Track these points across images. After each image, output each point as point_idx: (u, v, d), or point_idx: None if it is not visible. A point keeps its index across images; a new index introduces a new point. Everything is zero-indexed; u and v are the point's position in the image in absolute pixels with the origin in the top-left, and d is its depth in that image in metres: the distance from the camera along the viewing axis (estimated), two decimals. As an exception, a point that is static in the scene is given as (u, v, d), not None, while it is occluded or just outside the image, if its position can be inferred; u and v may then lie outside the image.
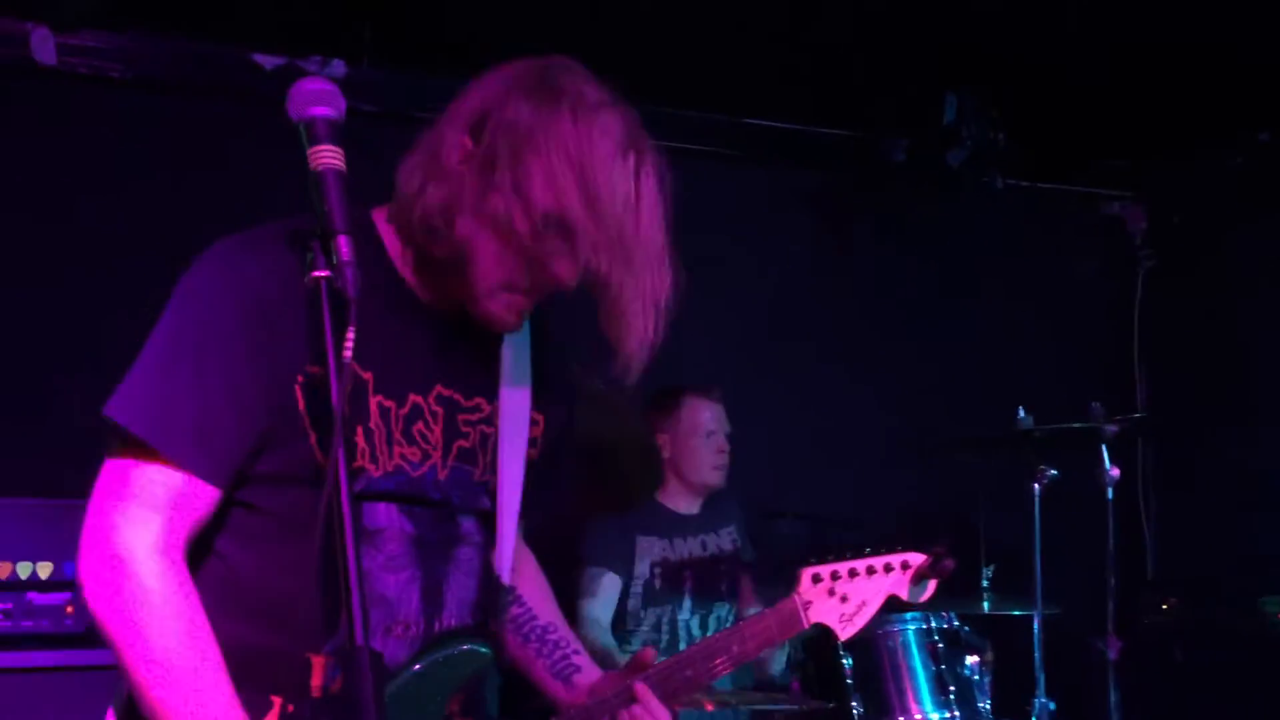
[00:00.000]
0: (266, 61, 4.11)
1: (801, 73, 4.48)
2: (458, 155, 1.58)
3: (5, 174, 3.83)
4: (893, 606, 3.42)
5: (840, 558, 1.94)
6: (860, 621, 1.94)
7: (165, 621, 1.49)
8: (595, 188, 1.55)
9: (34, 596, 3.01)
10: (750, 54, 4.33)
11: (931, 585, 1.99)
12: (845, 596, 1.93)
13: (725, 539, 4.07)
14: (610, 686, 1.79)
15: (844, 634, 1.93)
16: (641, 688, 1.74)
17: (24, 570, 3.01)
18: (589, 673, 1.87)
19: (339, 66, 4.18)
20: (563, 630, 1.93)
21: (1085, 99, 4.68)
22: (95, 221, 3.89)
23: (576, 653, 1.90)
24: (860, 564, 1.94)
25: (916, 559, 1.97)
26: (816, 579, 1.93)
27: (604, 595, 3.83)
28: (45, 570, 3.00)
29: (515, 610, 1.91)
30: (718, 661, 1.85)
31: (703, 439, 3.96)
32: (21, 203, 3.84)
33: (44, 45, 3.89)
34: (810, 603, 1.91)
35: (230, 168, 3.95)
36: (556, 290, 1.63)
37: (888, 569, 1.96)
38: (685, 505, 4.04)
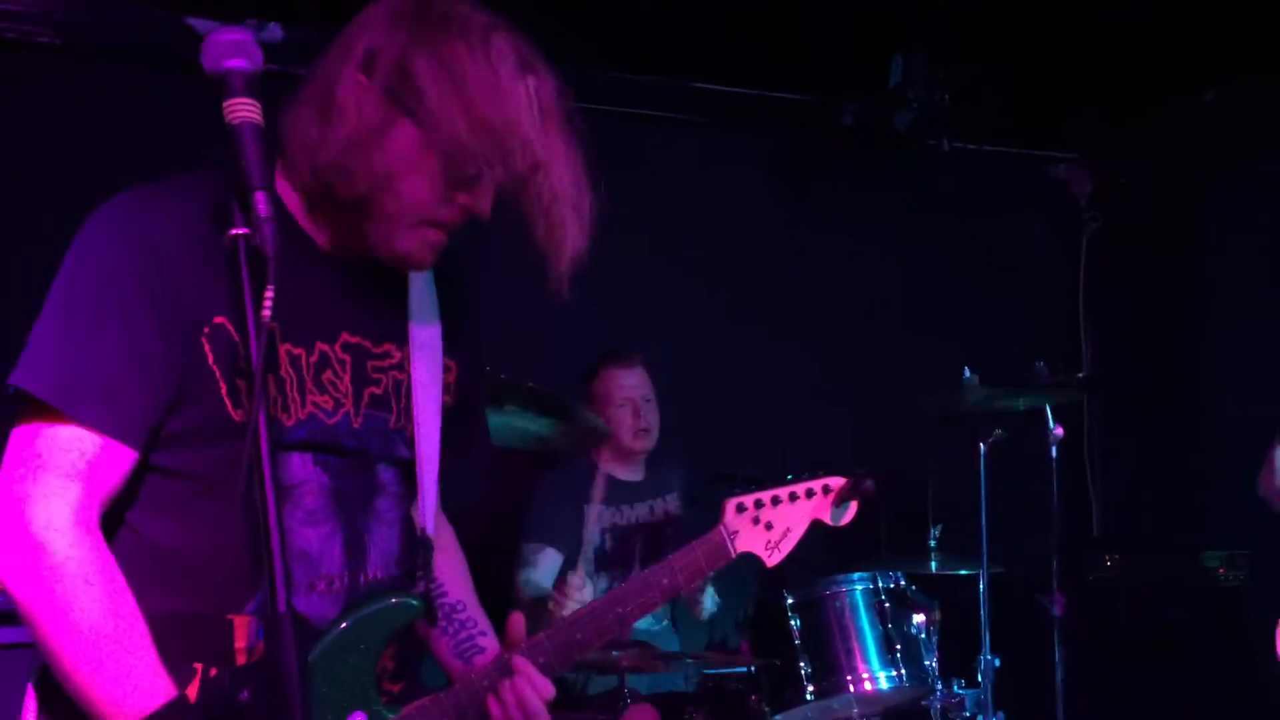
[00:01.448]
0: (200, 25, 4.01)
1: (752, 36, 4.45)
2: (354, 93, 1.53)
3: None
4: (841, 566, 3.49)
5: (762, 486, 1.95)
6: (786, 547, 1.94)
7: (87, 595, 1.45)
8: (502, 109, 1.52)
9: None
10: (700, 17, 4.29)
11: (852, 507, 1.99)
12: (770, 524, 1.93)
13: (672, 503, 4.10)
14: (496, 662, 1.76)
15: (771, 560, 1.93)
16: (519, 659, 1.72)
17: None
18: (491, 653, 1.84)
19: (275, 30, 4.09)
20: (472, 610, 1.90)
21: (1031, 61, 4.69)
22: (24, 190, 3.79)
23: (482, 634, 1.88)
24: (782, 491, 1.95)
25: (837, 482, 1.97)
26: (741, 508, 1.93)
27: (543, 567, 3.84)
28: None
29: (425, 584, 1.87)
30: (650, 595, 1.83)
31: (619, 407, 3.98)
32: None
33: (-33, 10, 3.78)
34: (736, 532, 1.91)
35: (163, 134, 3.86)
36: (473, 218, 1.60)
37: (809, 494, 1.96)
38: (627, 472, 4.06)
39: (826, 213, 5.03)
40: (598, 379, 4.05)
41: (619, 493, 4.00)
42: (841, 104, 4.91)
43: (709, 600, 3.93)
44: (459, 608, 1.89)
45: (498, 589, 2.01)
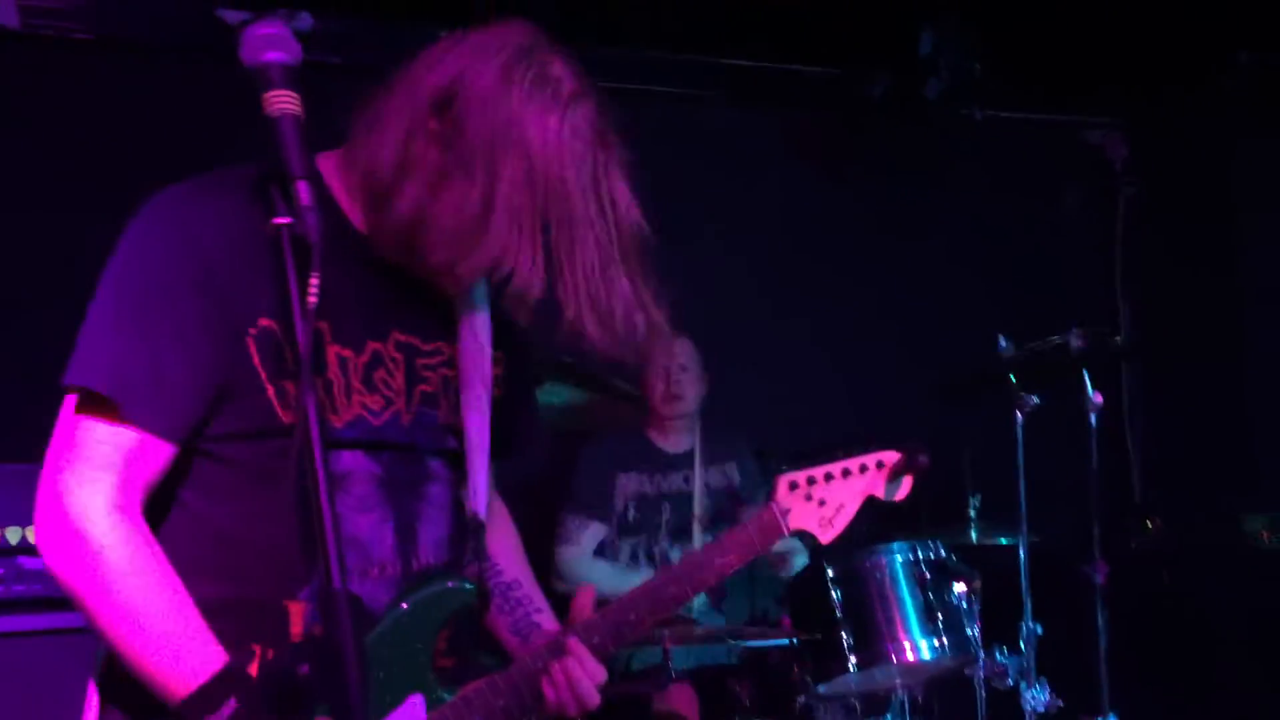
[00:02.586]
0: (231, 16, 4.05)
1: (778, 10, 4.43)
2: (421, 132, 1.55)
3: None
4: (881, 536, 3.50)
5: (815, 463, 1.91)
6: (840, 524, 1.91)
7: (128, 576, 1.49)
8: (564, 189, 1.54)
9: (24, 561, 3.01)
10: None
11: (907, 482, 1.95)
12: (823, 500, 1.90)
13: (714, 475, 4.10)
14: (549, 639, 1.77)
15: (825, 537, 1.91)
16: (573, 641, 1.73)
17: (13, 535, 3.01)
18: (548, 629, 1.86)
19: (306, 19, 4.11)
20: (527, 588, 1.92)
21: (1063, 27, 4.64)
22: (61, 184, 3.85)
23: (538, 610, 1.89)
24: (835, 467, 1.92)
25: (891, 457, 1.94)
26: (793, 486, 1.90)
27: (584, 542, 3.87)
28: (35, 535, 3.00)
29: (481, 564, 1.90)
30: (703, 575, 1.83)
31: (654, 374, 3.99)
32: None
33: (6, 8, 3.83)
34: (789, 510, 1.89)
35: (198, 126, 3.91)
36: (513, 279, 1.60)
37: (863, 469, 1.94)
38: (671, 443, 4.07)
39: (861, 188, 5.01)
40: None
41: (654, 460, 4.03)
42: (869, 76, 4.89)
43: (799, 560, 3.89)
44: (514, 586, 1.90)
45: (539, 563, 2.04)
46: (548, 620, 1.88)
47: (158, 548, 1.53)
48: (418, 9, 4.03)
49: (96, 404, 1.51)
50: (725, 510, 4.06)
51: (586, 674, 1.71)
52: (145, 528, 1.54)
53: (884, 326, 4.92)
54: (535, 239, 1.55)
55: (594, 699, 1.71)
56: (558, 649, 1.73)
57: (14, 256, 3.76)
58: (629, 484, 3.98)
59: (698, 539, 3.98)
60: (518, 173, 1.53)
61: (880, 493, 1.96)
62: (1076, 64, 4.95)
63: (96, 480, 1.50)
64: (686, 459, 4.08)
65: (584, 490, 3.96)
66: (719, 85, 4.87)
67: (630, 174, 1.63)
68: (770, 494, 1.92)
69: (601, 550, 3.94)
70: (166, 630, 1.49)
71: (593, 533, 3.92)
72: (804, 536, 1.92)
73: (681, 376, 4.01)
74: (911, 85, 4.69)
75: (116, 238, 1.60)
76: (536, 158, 1.54)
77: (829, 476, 1.92)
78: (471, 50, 1.58)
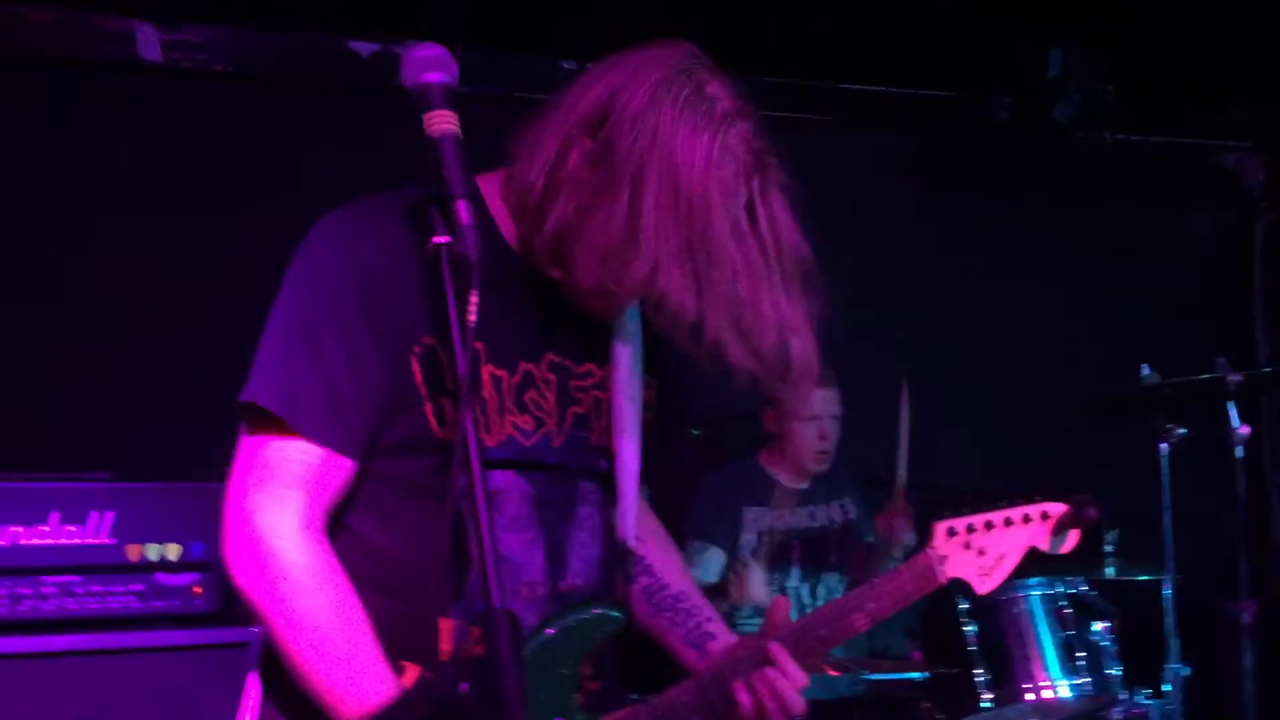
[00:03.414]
0: (362, 48, 4.15)
1: (898, 34, 4.39)
2: (573, 150, 1.56)
3: (116, 169, 3.92)
4: (1017, 571, 3.39)
5: (976, 510, 1.86)
6: (1000, 575, 1.85)
7: (313, 595, 1.51)
8: (707, 208, 1.52)
9: (163, 577, 3.08)
10: (845, 18, 4.25)
11: (1073, 536, 1.88)
12: (983, 550, 1.85)
13: (835, 510, 4.04)
14: (744, 647, 1.76)
15: (982, 588, 1.85)
16: (776, 647, 1.71)
17: (153, 553, 3.08)
18: (723, 639, 1.84)
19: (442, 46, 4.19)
20: (695, 598, 1.90)
21: (1196, 48, 4.50)
22: (203, 213, 3.97)
23: (710, 620, 1.88)
24: (997, 516, 1.86)
25: (1057, 509, 1.86)
26: (951, 532, 1.85)
27: (707, 567, 3.83)
28: (173, 552, 3.06)
29: (646, 580, 1.88)
30: (853, 619, 1.80)
31: (805, 423, 3.92)
32: (132, 199, 3.93)
33: (149, 42, 3.98)
34: (946, 557, 1.84)
35: (335, 156, 4.00)
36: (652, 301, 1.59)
37: (1026, 520, 1.86)
38: (791, 480, 4.02)
39: (986, 213, 4.91)
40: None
41: (780, 497, 3.97)
42: (997, 99, 4.80)
43: (911, 538, 3.80)
44: (682, 597, 1.89)
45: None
46: (720, 629, 1.87)
47: (341, 569, 1.55)
48: (546, 41, 4.09)
49: (278, 423, 1.54)
50: (846, 547, 3.99)
51: (790, 680, 1.70)
52: (329, 548, 1.56)
53: (1012, 356, 4.80)
54: (684, 259, 1.53)
55: (800, 704, 1.71)
56: (759, 655, 1.72)
57: (170, 279, 3.87)
58: (756, 518, 3.92)
59: (827, 578, 3.91)
60: (664, 191, 1.52)
61: (1045, 545, 1.88)
62: (1210, 85, 4.80)
63: (285, 498, 1.53)
64: (809, 494, 4.03)
65: (706, 518, 3.92)
66: (838, 109, 4.83)
67: (791, 197, 1.60)
68: (928, 539, 1.88)
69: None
70: (345, 653, 1.50)
71: (712, 557, 3.88)
72: (960, 585, 1.88)
73: (831, 428, 3.93)
74: (1039, 107, 4.59)
75: (260, 259, 1.64)
76: (683, 175, 1.52)
77: (990, 525, 1.86)
78: (628, 69, 1.59)
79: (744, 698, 1.70)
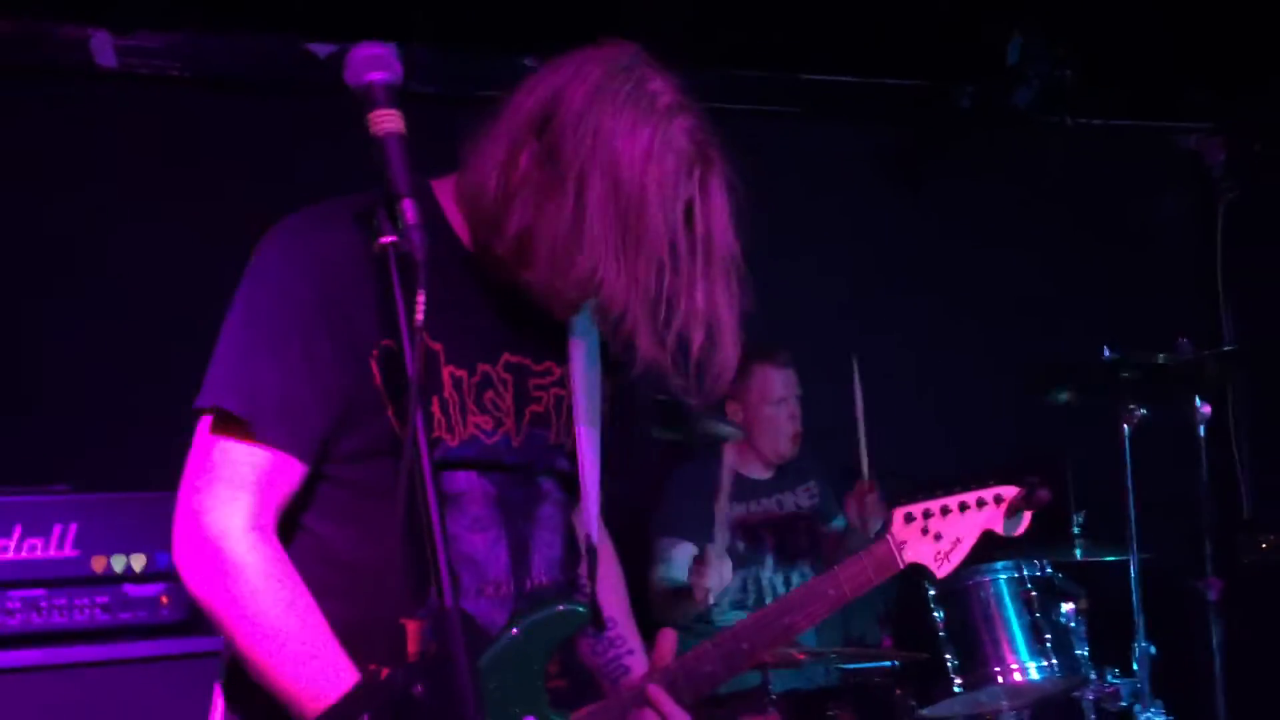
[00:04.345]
0: (320, 50, 4.13)
1: (860, 25, 4.40)
2: (522, 152, 1.56)
3: (74, 177, 3.89)
4: (983, 555, 3.42)
5: (931, 495, 1.91)
6: (956, 559, 1.91)
7: (266, 594, 1.51)
8: (644, 203, 1.53)
9: (129, 589, 3.06)
10: (807, 8, 4.26)
11: (1026, 518, 1.96)
12: (939, 534, 1.90)
13: (802, 496, 4.06)
14: (629, 689, 1.76)
15: (940, 571, 1.90)
16: (654, 690, 1.72)
17: (118, 564, 3.06)
18: (636, 674, 1.85)
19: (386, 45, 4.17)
20: (622, 627, 1.91)
21: (1154, 31, 4.54)
22: (160, 219, 3.94)
23: (630, 653, 1.89)
24: (952, 500, 1.91)
25: (1010, 492, 1.93)
26: (909, 518, 1.90)
27: (679, 561, 3.84)
28: (139, 563, 3.04)
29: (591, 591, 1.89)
30: (815, 607, 1.83)
31: (774, 407, 3.93)
32: (89, 206, 3.90)
33: (104, 49, 3.95)
34: (905, 543, 1.89)
35: (292, 158, 3.98)
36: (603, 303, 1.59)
37: (980, 504, 1.92)
38: (760, 471, 4.02)
39: (951, 200, 4.94)
40: (751, 376, 3.93)
41: (746, 489, 3.98)
42: (957, 87, 4.83)
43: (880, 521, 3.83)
44: (609, 624, 1.90)
45: (633, 585, 2.04)
46: (638, 663, 1.88)
47: (292, 567, 1.55)
48: (507, 38, 4.08)
49: (231, 425, 1.54)
50: (815, 530, 4.01)
51: None
52: (279, 547, 1.56)
53: (976, 340, 4.83)
54: (618, 254, 1.54)
55: None
56: (639, 697, 1.73)
57: (125, 288, 3.85)
58: (731, 513, 3.93)
59: (800, 564, 3.94)
60: (605, 187, 1.53)
61: (999, 528, 1.95)
62: (1169, 67, 4.83)
63: (234, 500, 1.53)
64: (776, 483, 4.04)
65: (676, 514, 3.92)
66: (799, 101, 4.85)
67: (732, 191, 1.61)
68: (886, 526, 1.92)
69: None
70: (302, 648, 1.51)
71: (682, 552, 3.88)
72: (919, 570, 1.92)
73: (799, 411, 3.95)
74: (1000, 94, 4.61)
75: (218, 266, 1.63)
76: (623, 171, 1.53)
77: (946, 510, 1.91)
78: (571, 68, 1.60)
79: None
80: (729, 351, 1.61)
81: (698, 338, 1.58)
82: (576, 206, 1.53)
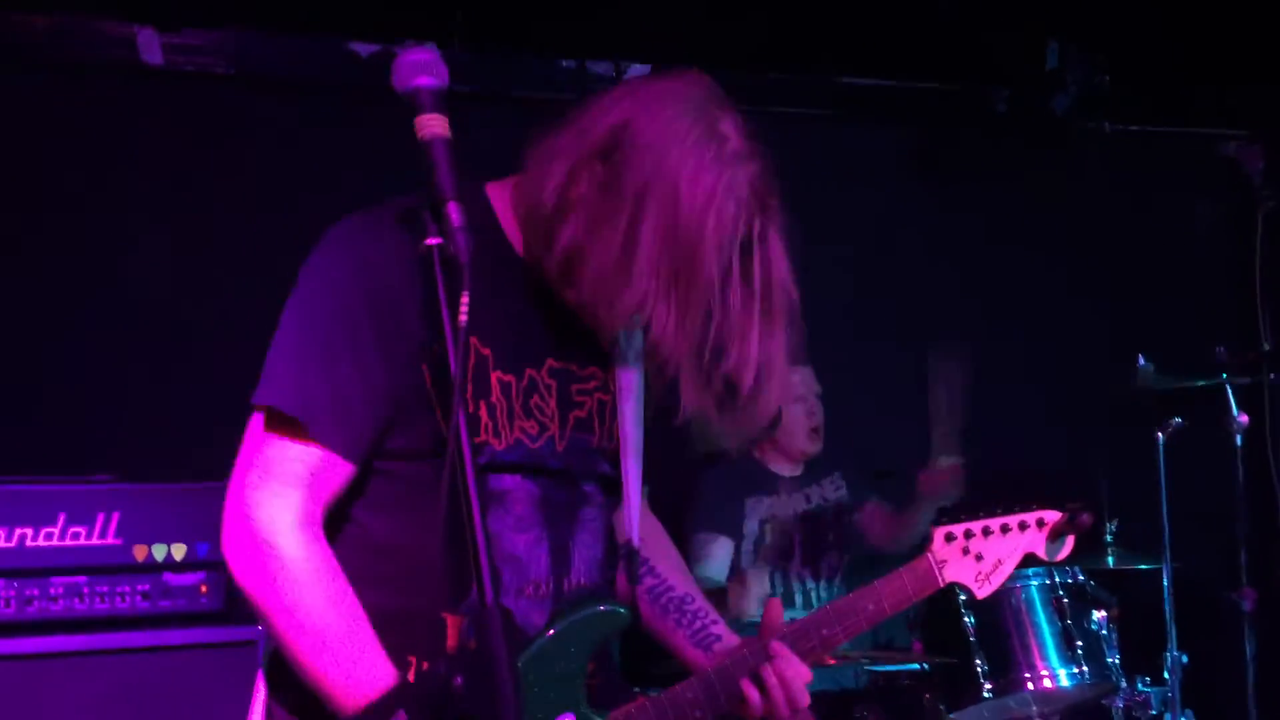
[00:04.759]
0: (363, 49, 4.17)
1: (896, 28, 4.40)
2: (584, 174, 1.58)
3: (119, 173, 3.95)
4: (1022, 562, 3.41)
5: (974, 516, 1.92)
6: (997, 580, 1.91)
7: (311, 591, 1.54)
8: (699, 246, 1.54)
9: (170, 577, 3.11)
10: (842, 12, 4.26)
11: (1069, 542, 1.95)
12: (980, 555, 1.91)
13: (828, 488, 4.10)
14: (749, 646, 1.80)
15: (980, 592, 1.91)
16: (778, 645, 1.76)
17: (159, 552, 3.11)
18: (728, 640, 1.89)
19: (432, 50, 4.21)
20: (700, 600, 1.94)
21: (1193, 36, 4.51)
22: (206, 214, 3.99)
23: (715, 622, 1.92)
24: (994, 522, 1.92)
25: (1052, 516, 1.93)
26: (950, 538, 1.91)
27: (716, 559, 3.87)
28: (179, 552, 3.09)
29: (651, 581, 1.92)
30: (853, 621, 1.85)
31: (793, 405, 3.95)
32: (136, 201, 3.96)
33: (150, 46, 4.00)
34: (945, 561, 1.90)
35: (335, 155, 4.02)
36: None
37: (1023, 526, 1.93)
38: (787, 469, 4.07)
39: (985, 205, 4.91)
40: None
41: (775, 484, 4.03)
42: (993, 92, 4.81)
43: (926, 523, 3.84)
44: (688, 599, 1.93)
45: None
46: (725, 630, 1.91)
47: (337, 565, 1.58)
48: (551, 39, 4.11)
49: (284, 424, 1.57)
50: (843, 522, 4.04)
51: (796, 675, 1.75)
52: (327, 545, 1.59)
53: (1011, 347, 4.80)
54: (669, 293, 1.56)
55: (805, 697, 1.76)
56: (762, 653, 1.77)
57: (169, 282, 3.90)
58: (757, 507, 3.97)
59: (828, 556, 3.98)
60: (662, 224, 1.55)
61: (1041, 551, 1.96)
62: (1209, 74, 4.80)
63: (284, 497, 1.56)
64: (804, 479, 4.09)
65: (710, 510, 3.96)
66: (836, 104, 4.84)
67: (790, 244, 1.63)
68: (927, 544, 1.93)
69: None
70: (343, 645, 1.54)
71: (720, 547, 3.92)
72: (959, 589, 1.94)
73: (818, 408, 3.99)
74: (1036, 99, 4.60)
75: (261, 261, 1.66)
76: (683, 211, 1.55)
77: (987, 531, 1.92)
78: (645, 98, 1.62)
79: (751, 692, 1.75)
80: (773, 397, 1.64)
81: (746, 382, 1.60)
82: (629, 237, 1.55)
